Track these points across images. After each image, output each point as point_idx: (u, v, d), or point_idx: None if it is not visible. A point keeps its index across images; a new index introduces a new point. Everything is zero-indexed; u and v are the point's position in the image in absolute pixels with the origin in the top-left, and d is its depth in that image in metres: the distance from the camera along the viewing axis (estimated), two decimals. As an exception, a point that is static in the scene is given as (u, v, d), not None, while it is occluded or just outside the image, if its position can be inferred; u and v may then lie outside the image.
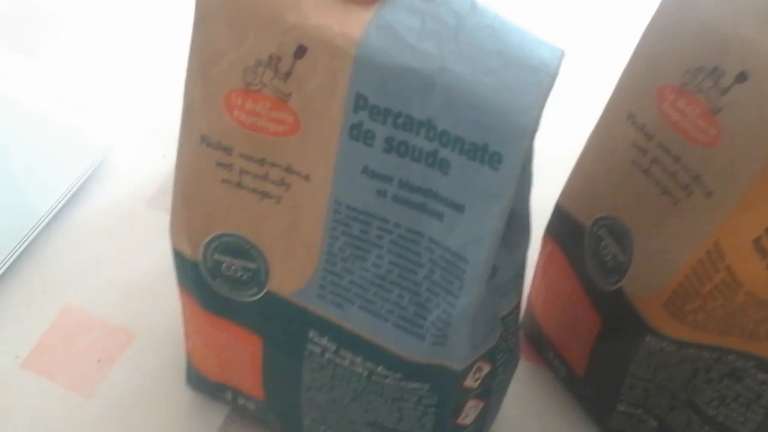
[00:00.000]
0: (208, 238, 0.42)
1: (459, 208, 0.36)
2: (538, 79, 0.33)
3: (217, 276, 0.42)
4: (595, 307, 0.46)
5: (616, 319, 0.45)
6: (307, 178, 0.38)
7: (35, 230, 0.57)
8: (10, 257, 0.55)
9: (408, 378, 0.41)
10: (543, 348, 0.52)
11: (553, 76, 0.33)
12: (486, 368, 0.42)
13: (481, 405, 0.44)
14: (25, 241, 0.56)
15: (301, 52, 0.36)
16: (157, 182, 0.61)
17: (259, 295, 0.42)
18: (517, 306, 0.43)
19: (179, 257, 0.43)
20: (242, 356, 0.45)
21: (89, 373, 0.53)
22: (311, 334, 0.42)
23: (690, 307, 0.40)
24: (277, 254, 0.41)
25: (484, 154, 0.34)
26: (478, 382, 0.42)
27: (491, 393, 0.44)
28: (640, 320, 0.43)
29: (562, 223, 0.47)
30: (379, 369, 0.41)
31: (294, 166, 0.38)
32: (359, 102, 0.36)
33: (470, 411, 0.44)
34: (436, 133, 0.35)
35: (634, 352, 0.44)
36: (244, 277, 0.42)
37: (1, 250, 0.55)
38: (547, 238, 0.49)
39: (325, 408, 0.45)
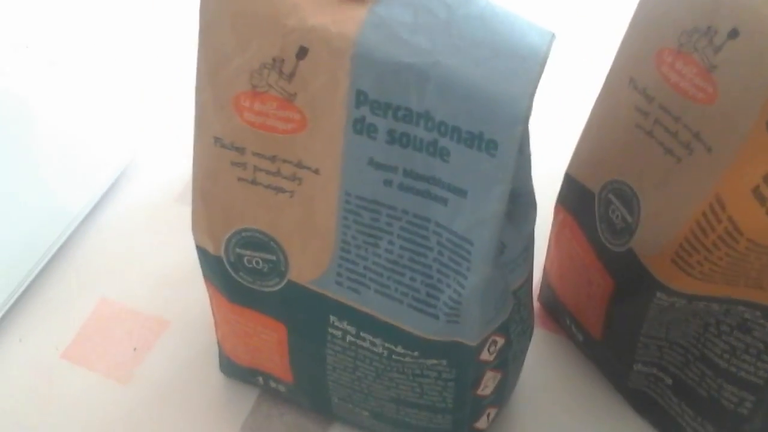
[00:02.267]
0: (229, 234, 0.43)
1: (462, 192, 0.37)
2: (527, 67, 0.34)
3: (239, 269, 0.44)
4: (607, 269, 0.47)
5: (628, 280, 0.46)
6: (317, 171, 0.40)
7: (70, 228, 0.59)
8: (48, 254, 0.58)
9: (426, 355, 0.43)
10: (560, 315, 0.53)
11: (542, 63, 0.34)
12: (500, 341, 0.43)
13: (499, 376, 0.46)
14: (61, 239, 0.58)
15: (302, 53, 0.37)
16: (185, 179, 0.63)
17: (281, 285, 0.44)
18: (528, 278, 0.44)
19: (203, 253, 0.45)
20: (269, 343, 0.47)
21: (126, 361, 0.55)
22: (332, 319, 0.44)
23: (696, 259, 0.41)
24: (294, 245, 0.42)
25: (480, 142, 0.36)
26: (494, 354, 0.44)
27: (508, 364, 0.46)
28: (650, 277, 0.44)
29: (572, 191, 0.49)
30: (398, 348, 0.43)
31: (304, 161, 0.40)
32: (360, 98, 0.37)
33: (489, 382, 0.45)
34: (435, 124, 0.36)
35: (647, 311, 0.45)
36: (265, 269, 0.44)
37: (39, 247, 0.58)
38: (559, 207, 0.50)
39: (351, 387, 0.47)
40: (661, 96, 0.42)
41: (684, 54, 0.41)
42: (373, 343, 0.43)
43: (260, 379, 0.51)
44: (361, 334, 0.43)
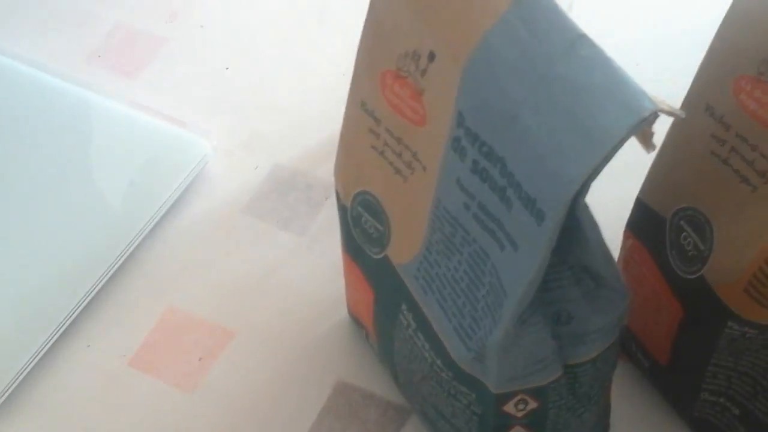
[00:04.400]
0: (357, 190, 0.46)
1: (515, 246, 0.37)
2: (593, 154, 0.33)
3: (357, 225, 0.47)
4: (677, 296, 0.47)
5: (698, 307, 0.45)
6: (424, 169, 0.41)
7: (139, 237, 0.60)
8: (117, 262, 0.59)
9: (458, 380, 0.44)
10: (626, 340, 0.53)
11: (607, 155, 0.33)
12: (532, 403, 0.43)
13: None
14: (130, 247, 0.59)
15: (432, 57, 0.39)
16: (252, 191, 0.64)
17: (381, 255, 0.46)
18: (594, 361, 0.43)
19: (337, 197, 0.49)
20: (363, 301, 0.50)
21: (192, 370, 0.55)
22: (404, 306, 0.45)
23: (770, 290, 0.41)
24: (397, 225, 0.44)
25: (533, 208, 0.36)
26: (523, 413, 0.43)
27: (544, 428, 0.45)
28: (722, 306, 0.43)
29: (642, 216, 0.48)
30: (438, 362, 0.44)
31: (419, 154, 0.41)
32: (460, 119, 0.38)
33: None
34: (506, 172, 0.36)
35: (717, 340, 0.45)
36: (374, 235, 0.46)
37: (108, 256, 0.59)
38: (628, 232, 0.50)
39: (407, 376, 0.49)
40: (739, 124, 0.42)
41: (763, 82, 0.40)
42: (423, 346, 0.45)
43: (364, 331, 0.53)
44: (418, 333, 0.45)
